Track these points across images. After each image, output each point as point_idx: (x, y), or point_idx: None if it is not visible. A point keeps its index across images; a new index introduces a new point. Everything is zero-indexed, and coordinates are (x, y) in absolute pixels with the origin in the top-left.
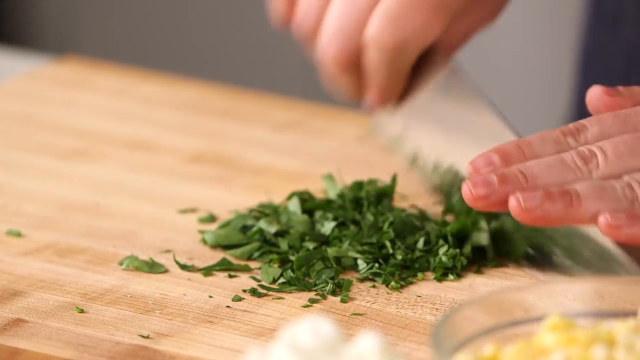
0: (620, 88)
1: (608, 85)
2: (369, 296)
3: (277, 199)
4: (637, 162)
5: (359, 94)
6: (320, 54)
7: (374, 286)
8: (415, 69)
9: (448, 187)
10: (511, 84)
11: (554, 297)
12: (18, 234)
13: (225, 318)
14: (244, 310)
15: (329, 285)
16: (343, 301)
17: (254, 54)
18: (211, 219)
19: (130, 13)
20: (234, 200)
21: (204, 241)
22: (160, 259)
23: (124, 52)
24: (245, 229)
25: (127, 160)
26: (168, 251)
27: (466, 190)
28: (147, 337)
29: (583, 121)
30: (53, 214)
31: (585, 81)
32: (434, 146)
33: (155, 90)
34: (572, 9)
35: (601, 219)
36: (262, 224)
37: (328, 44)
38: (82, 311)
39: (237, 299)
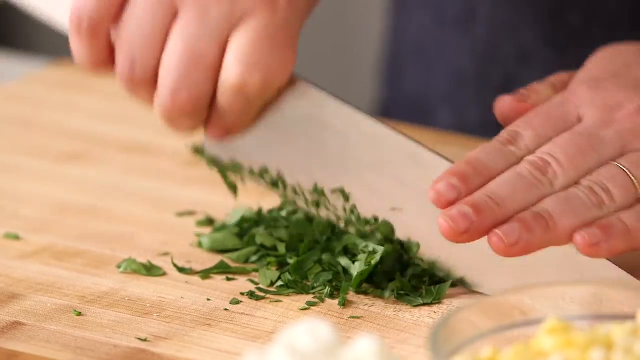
0: (524, 92)
1: (457, 83)
2: (366, 299)
3: (275, 202)
4: (588, 161)
5: (201, 129)
6: (163, 102)
7: (371, 289)
8: None
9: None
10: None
11: (551, 300)
12: (16, 237)
13: (223, 321)
14: (241, 313)
15: (327, 288)
16: (341, 304)
17: None
18: (209, 222)
19: None
20: (232, 203)
21: (201, 245)
22: (158, 262)
23: None
24: (242, 233)
25: (125, 163)
26: (166, 254)
27: (445, 226)
28: (145, 340)
29: (512, 127)
30: (50, 217)
31: (419, 79)
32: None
33: None
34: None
35: (579, 240)
36: (260, 231)
37: (174, 93)
38: (79, 314)
39: (235, 301)
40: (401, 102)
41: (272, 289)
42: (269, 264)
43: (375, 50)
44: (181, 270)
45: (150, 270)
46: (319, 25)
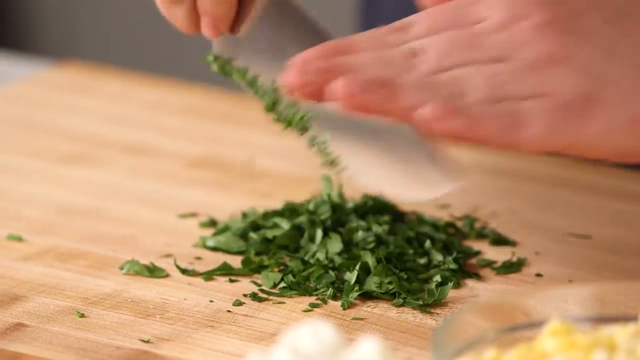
0: None
1: None
2: (369, 300)
3: (277, 204)
4: (457, 61)
5: (195, 26)
6: None
7: (374, 291)
8: None
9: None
10: None
11: (554, 301)
12: (19, 239)
13: (226, 322)
14: (244, 315)
15: (330, 289)
16: (343, 306)
17: None
18: (212, 223)
19: (130, 17)
20: (235, 204)
21: (204, 246)
22: (161, 264)
23: (125, 56)
24: (245, 235)
25: (128, 165)
26: (169, 255)
27: (288, 72)
28: (148, 342)
29: (412, 17)
30: (54, 219)
31: None
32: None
33: (156, 95)
34: None
35: (420, 111)
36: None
37: None
38: (82, 316)
39: (238, 303)
40: None
41: (274, 291)
42: (269, 265)
43: None
44: (184, 271)
45: (152, 271)
46: None
